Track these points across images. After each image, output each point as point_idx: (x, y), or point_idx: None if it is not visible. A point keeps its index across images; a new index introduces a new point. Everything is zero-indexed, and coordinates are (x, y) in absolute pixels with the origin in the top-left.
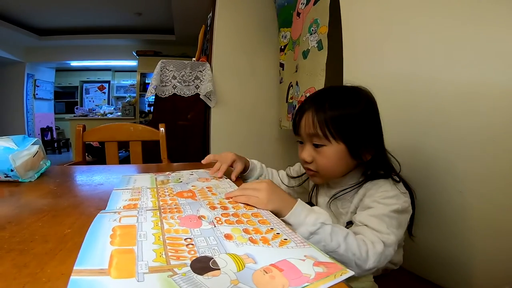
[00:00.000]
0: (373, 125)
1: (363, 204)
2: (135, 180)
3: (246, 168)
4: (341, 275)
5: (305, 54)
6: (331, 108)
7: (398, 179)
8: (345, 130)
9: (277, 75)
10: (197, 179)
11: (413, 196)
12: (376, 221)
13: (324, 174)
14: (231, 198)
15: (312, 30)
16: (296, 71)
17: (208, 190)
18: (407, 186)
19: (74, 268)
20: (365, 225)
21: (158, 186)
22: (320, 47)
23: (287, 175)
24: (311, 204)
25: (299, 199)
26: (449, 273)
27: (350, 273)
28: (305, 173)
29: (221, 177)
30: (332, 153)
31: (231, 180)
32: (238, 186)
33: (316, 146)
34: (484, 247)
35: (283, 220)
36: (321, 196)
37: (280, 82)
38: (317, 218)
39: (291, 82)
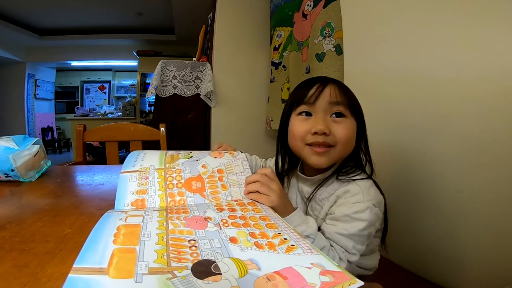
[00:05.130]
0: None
1: (333, 212)
2: (143, 156)
3: None
4: (349, 285)
5: (320, 57)
6: (345, 89)
7: (368, 177)
8: (357, 109)
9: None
10: (210, 152)
11: (384, 202)
12: (344, 240)
13: (342, 146)
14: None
15: (326, 33)
16: (308, 73)
17: (218, 179)
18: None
19: (73, 266)
20: (334, 241)
21: (167, 166)
22: (339, 52)
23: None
24: None
25: (298, 208)
26: (450, 273)
27: (359, 283)
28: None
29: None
30: (351, 125)
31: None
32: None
33: (338, 115)
34: (485, 247)
35: None
36: (291, 193)
37: (271, 82)
38: (304, 230)
39: None
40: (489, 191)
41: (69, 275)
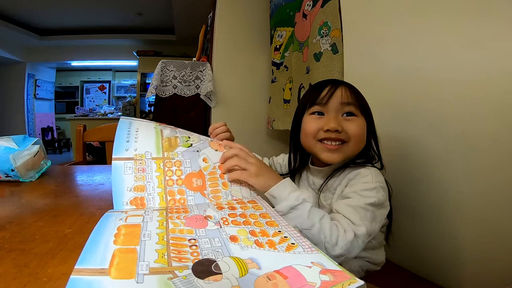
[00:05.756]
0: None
1: (343, 193)
2: (136, 134)
3: None
4: (349, 285)
5: (317, 57)
6: (355, 90)
7: (379, 167)
8: (367, 109)
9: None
10: (209, 142)
11: (390, 193)
12: (351, 211)
13: (354, 142)
14: (223, 162)
15: (323, 33)
16: (308, 73)
17: (220, 176)
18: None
19: (75, 267)
20: (340, 213)
21: (165, 155)
22: (335, 51)
23: (270, 166)
24: None
25: (288, 177)
26: (450, 273)
27: (359, 282)
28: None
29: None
30: (362, 123)
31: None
32: None
33: (349, 114)
34: (485, 247)
35: (267, 194)
36: (302, 188)
37: (273, 82)
38: (300, 194)
39: (302, 84)
40: (489, 192)
41: (71, 276)
